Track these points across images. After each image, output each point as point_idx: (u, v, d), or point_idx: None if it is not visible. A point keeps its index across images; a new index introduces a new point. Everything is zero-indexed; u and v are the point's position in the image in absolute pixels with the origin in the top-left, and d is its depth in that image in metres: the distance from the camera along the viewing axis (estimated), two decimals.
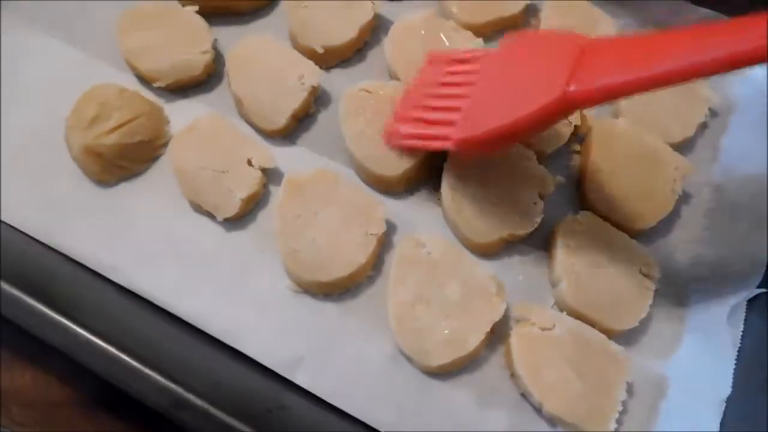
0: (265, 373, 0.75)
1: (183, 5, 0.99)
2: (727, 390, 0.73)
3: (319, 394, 0.76)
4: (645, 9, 1.04)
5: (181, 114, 0.94)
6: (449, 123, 0.80)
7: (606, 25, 1.02)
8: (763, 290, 0.78)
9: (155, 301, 0.81)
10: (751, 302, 0.79)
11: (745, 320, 0.78)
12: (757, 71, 1.00)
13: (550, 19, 1.01)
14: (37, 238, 0.84)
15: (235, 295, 0.82)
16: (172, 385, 0.62)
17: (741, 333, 0.77)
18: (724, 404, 0.73)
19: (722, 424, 0.73)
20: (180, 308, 0.80)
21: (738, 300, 0.78)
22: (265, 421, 0.64)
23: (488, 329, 0.78)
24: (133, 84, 0.97)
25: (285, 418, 0.68)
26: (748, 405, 0.71)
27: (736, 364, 0.75)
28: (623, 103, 0.96)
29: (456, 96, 0.81)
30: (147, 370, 0.63)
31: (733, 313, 0.78)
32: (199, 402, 0.61)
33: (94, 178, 0.89)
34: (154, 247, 0.85)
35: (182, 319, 0.79)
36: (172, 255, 0.85)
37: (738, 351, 0.76)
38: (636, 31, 1.05)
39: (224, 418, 0.61)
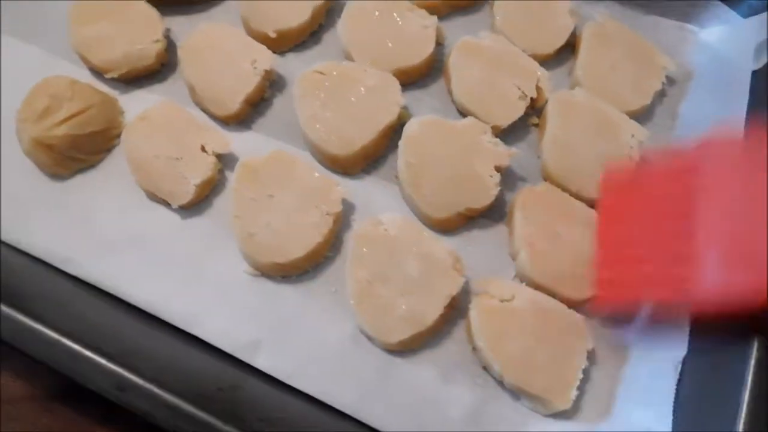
0: (221, 356, 0.74)
1: None
2: (683, 351, 0.73)
3: (277, 376, 0.76)
4: None
5: (135, 104, 0.94)
6: (682, 259, 0.57)
7: (562, 10, 1.01)
8: None
9: (111, 291, 0.80)
10: None
11: None
12: (713, 36, 1.00)
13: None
14: None
15: (192, 281, 0.82)
16: (115, 367, 0.61)
17: None
18: (680, 365, 0.73)
19: (679, 382, 0.73)
20: (136, 296, 0.79)
21: None
22: (215, 401, 0.63)
23: (446, 303, 0.78)
24: (87, 77, 0.96)
25: (237, 398, 0.67)
26: (704, 365, 0.71)
27: (690, 326, 0.75)
28: (580, 74, 0.95)
29: (682, 216, 0.58)
30: (89, 353, 0.62)
31: None
32: (141, 382, 0.60)
33: (48, 171, 0.88)
34: (110, 238, 0.84)
35: (138, 309, 0.78)
36: (128, 244, 0.84)
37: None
38: (592, 5, 1.04)
39: (169, 398, 0.60)
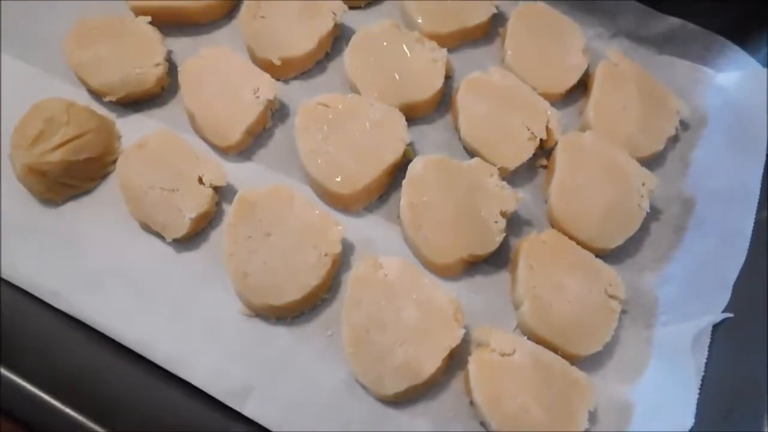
0: (209, 403, 0.72)
1: (136, 15, 0.95)
2: (690, 421, 0.70)
3: (267, 426, 0.73)
4: (614, 19, 1.01)
5: (133, 129, 0.91)
6: None
7: (575, 36, 0.99)
8: (729, 315, 0.75)
9: (97, 327, 0.77)
10: (716, 326, 0.76)
11: (710, 346, 0.75)
12: (729, 81, 0.97)
13: (516, 29, 0.98)
14: None
15: (182, 319, 0.79)
16: (87, 422, 0.58)
17: (705, 360, 0.74)
18: None
19: None
20: (122, 333, 0.77)
21: (704, 325, 0.75)
22: None
23: (445, 355, 0.75)
24: (84, 98, 0.94)
25: None
26: None
27: (699, 392, 0.72)
28: (591, 115, 0.93)
29: None
30: (59, 405, 0.58)
31: (697, 339, 0.74)
32: None
33: (39, 197, 0.85)
34: (100, 270, 0.81)
35: (124, 347, 0.76)
36: (118, 278, 0.81)
37: (702, 378, 0.73)
38: (606, 43, 1.02)
39: None
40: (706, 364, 0.74)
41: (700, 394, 0.72)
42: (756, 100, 0.90)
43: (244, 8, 0.95)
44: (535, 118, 0.91)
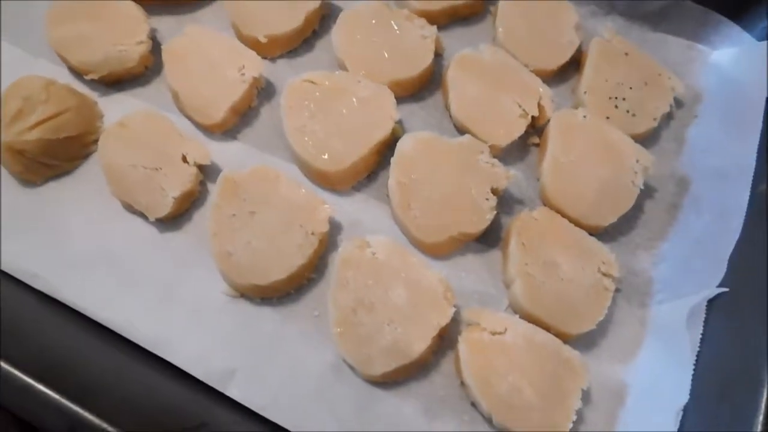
0: (189, 386, 0.70)
1: None
2: (684, 398, 0.68)
3: (251, 407, 0.71)
4: None
5: (116, 108, 0.89)
6: None
7: (567, 13, 0.97)
8: (724, 290, 0.73)
9: (78, 308, 0.75)
10: (710, 302, 0.74)
11: (705, 322, 0.73)
12: (724, 58, 0.95)
13: (508, 6, 0.96)
14: None
15: (165, 300, 0.77)
16: (68, 403, 0.56)
17: (700, 336, 0.72)
18: (681, 413, 0.68)
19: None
20: (104, 315, 0.75)
21: (698, 300, 0.73)
22: None
23: (434, 335, 0.73)
24: (66, 77, 0.91)
25: None
26: (704, 414, 0.66)
27: (694, 369, 0.70)
28: (584, 93, 0.91)
29: None
30: (39, 386, 0.56)
31: (692, 314, 0.73)
32: (97, 422, 0.55)
33: (18, 177, 0.83)
34: (81, 252, 0.79)
35: (102, 331, 0.73)
36: (100, 259, 0.79)
37: (697, 355, 0.71)
38: (600, 21, 1.00)
39: None
40: (701, 340, 0.72)
41: (695, 370, 0.70)
42: (752, 76, 0.88)
43: None
44: (527, 96, 0.89)
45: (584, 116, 0.87)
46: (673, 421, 0.67)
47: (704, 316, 0.73)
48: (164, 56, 0.89)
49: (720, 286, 0.74)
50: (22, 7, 0.95)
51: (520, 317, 0.77)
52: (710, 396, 0.67)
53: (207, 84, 0.87)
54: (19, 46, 0.93)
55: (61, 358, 0.64)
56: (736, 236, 0.76)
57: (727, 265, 0.74)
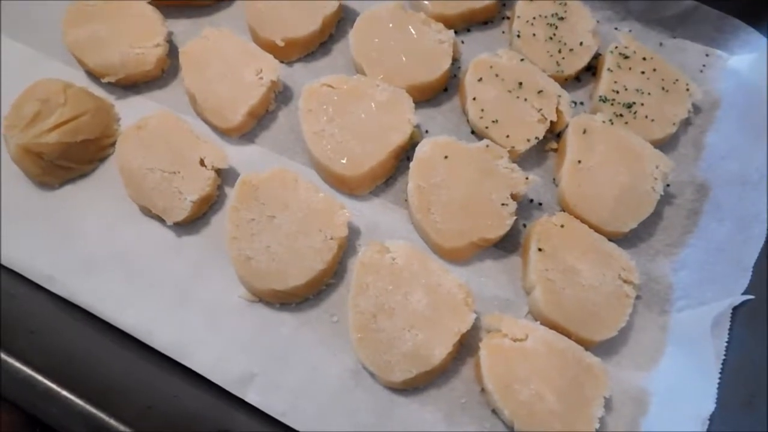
0: (209, 391, 0.69)
1: None
2: (710, 407, 0.67)
3: (271, 413, 0.70)
4: (624, 1, 0.99)
5: (133, 111, 0.89)
6: None
7: (584, 18, 0.97)
8: (750, 297, 0.72)
9: (94, 312, 0.75)
10: (735, 309, 0.73)
11: (730, 330, 0.72)
12: (743, 64, 0.95)
13: (524, 10, 0.96)
14: None
15: (183, 305, 0.77)
16: (89, 408, 0.55)
17: (725, 344, 0.71)
18: (708, 422, 0.67)
19: None
20: (121, 319, 0.74)
21: (723, 308, 0.73)
22: None
23: (456, 341, 0.72)
24: (82, 79, 0.91)
25: None
26: (731, 422, 0.66)
27: (719, 377, 0.69)
28: (603, 99, 0.90)
29: None
30: (59, 390, 0.56)
31: (717, 322, 0.72)
32: (122, 428, 0.55)
33: (35, 179, 0.83)
34: (98, 255, 0.79)
35: (123, 332, 0.73)
36: (117, 262, 0.79)
37: (722, 363, 0.70)
38: (616, 26, 1.00)
39: None
40: (726, 348, 0.71)
41: (720, 379, 0.69)
42: None
43: None
44: (545, 100, 0.88)
45: (603, 121, 0.87)
46: (698, 430, 0.66)
47: (729, 324, 0.73)
48: (181, 59, 0.88)
49: (744, 293, 0.73)
50: (37, 8, 0.95)
51: (540, 324, 0.76)
52: (736, 404, 0.66)
53: (224, 87, 0.87)
54: (34, 47, 0.93)
55: (80, 362, 0.63)
56: (761, 243, 0.75)
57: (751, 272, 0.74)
